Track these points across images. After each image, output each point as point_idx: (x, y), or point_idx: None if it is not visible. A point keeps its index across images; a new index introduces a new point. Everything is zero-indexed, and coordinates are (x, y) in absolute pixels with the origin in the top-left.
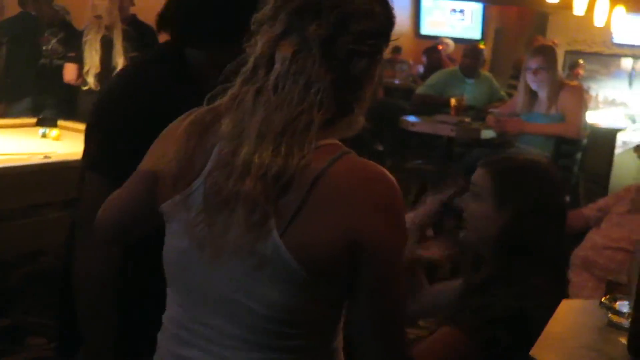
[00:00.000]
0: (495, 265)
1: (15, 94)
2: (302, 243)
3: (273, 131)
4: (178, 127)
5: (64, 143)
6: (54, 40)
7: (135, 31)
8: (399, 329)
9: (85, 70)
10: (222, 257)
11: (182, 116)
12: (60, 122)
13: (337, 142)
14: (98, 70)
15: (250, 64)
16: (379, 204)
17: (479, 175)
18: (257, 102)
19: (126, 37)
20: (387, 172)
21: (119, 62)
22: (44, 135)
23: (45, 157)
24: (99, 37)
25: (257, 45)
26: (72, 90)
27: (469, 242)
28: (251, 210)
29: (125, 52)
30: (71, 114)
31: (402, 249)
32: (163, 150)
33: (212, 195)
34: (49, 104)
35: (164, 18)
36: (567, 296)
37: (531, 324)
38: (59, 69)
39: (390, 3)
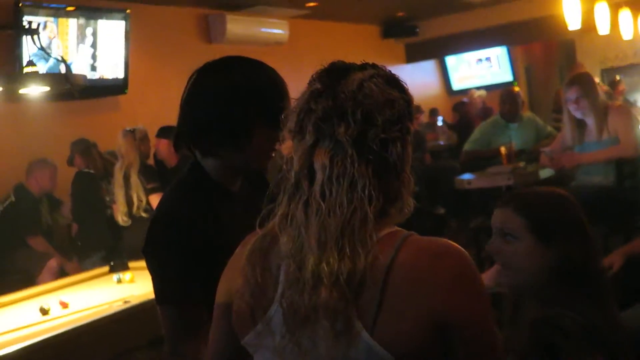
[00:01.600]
0: (549, 298)
1: (89, 250)
2: (393, 336)
3: (332, 236)
4: (240, 258)
5: (139, 284)
6: None
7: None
8: None
9: (116, 209)
10: None
11: (241, 245)
12: (131, 264)
13: (395, 228)
14: (124, 207)
15: (292, 180)
16: (454, 279)
17: (505, 216)
18: (308, 213)
19: (142, 170)
20: (452, 243)
21: (135, 196)
22: (119, 281)
23: (125, 302)
24: (121, 175)
25: (292, 161)
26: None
27: (514, 286)
28: (334, 319)
29: (142, 184)
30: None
31: (489, 315)
32: (232, 285)
33: (292, 316)
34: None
35: (179, 138)
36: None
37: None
38: None
39: (403, 82)
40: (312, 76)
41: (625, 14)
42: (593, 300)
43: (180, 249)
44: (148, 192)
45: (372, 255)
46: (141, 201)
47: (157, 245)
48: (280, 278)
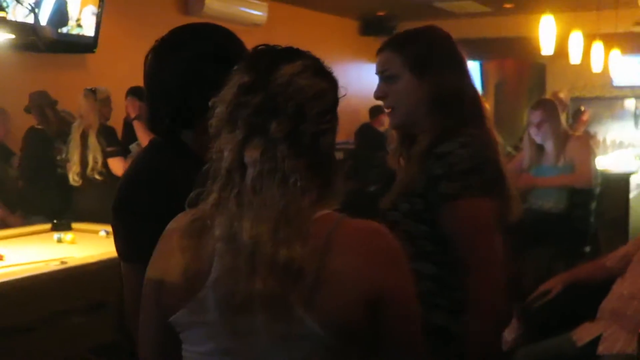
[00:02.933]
0: (433, 128)
1: (34, 208)
2: (330, 315)
3: (267, 228)
4: (171, 236)
5: (79, 246)
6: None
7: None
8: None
9: (69, 168)
10: (257, 357)
11: (171, 224)
12: (75, 225)
13: (328, 211)
14: (77, 167)
15: (223, 171)
16: (385, 257)
17: (385, 58)
18: (240, 205)
19: (102, 132)
20: (382, 226)
21: (91, 157)
22: (59, 241)
23: (62, 262)
24: (79, 135)
25: (223, 153)
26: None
27: (402, 124)
28: (272, 305)
29: (102, 146)
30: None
31: (414, 291)
32: (164, 263)
33: (226, 303)
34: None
35: (153, 120)
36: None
37: (490, 167)
38: None
39: (328, 69)
40: (236, 66)
41: (597, 47)
42: (471, 121)
43: (155, 209)
44: (107, 155)
45: (307, 242)
46: (96, 163)
47: (132, 202)
48: (214, 262)
